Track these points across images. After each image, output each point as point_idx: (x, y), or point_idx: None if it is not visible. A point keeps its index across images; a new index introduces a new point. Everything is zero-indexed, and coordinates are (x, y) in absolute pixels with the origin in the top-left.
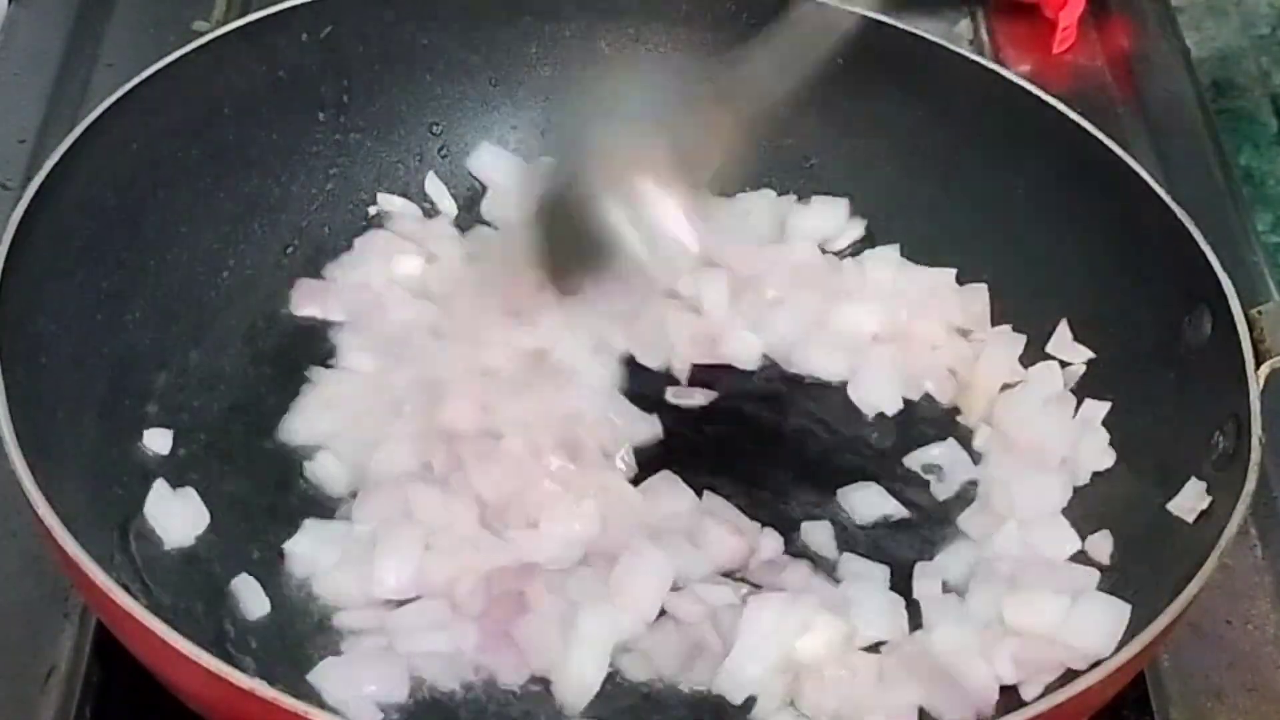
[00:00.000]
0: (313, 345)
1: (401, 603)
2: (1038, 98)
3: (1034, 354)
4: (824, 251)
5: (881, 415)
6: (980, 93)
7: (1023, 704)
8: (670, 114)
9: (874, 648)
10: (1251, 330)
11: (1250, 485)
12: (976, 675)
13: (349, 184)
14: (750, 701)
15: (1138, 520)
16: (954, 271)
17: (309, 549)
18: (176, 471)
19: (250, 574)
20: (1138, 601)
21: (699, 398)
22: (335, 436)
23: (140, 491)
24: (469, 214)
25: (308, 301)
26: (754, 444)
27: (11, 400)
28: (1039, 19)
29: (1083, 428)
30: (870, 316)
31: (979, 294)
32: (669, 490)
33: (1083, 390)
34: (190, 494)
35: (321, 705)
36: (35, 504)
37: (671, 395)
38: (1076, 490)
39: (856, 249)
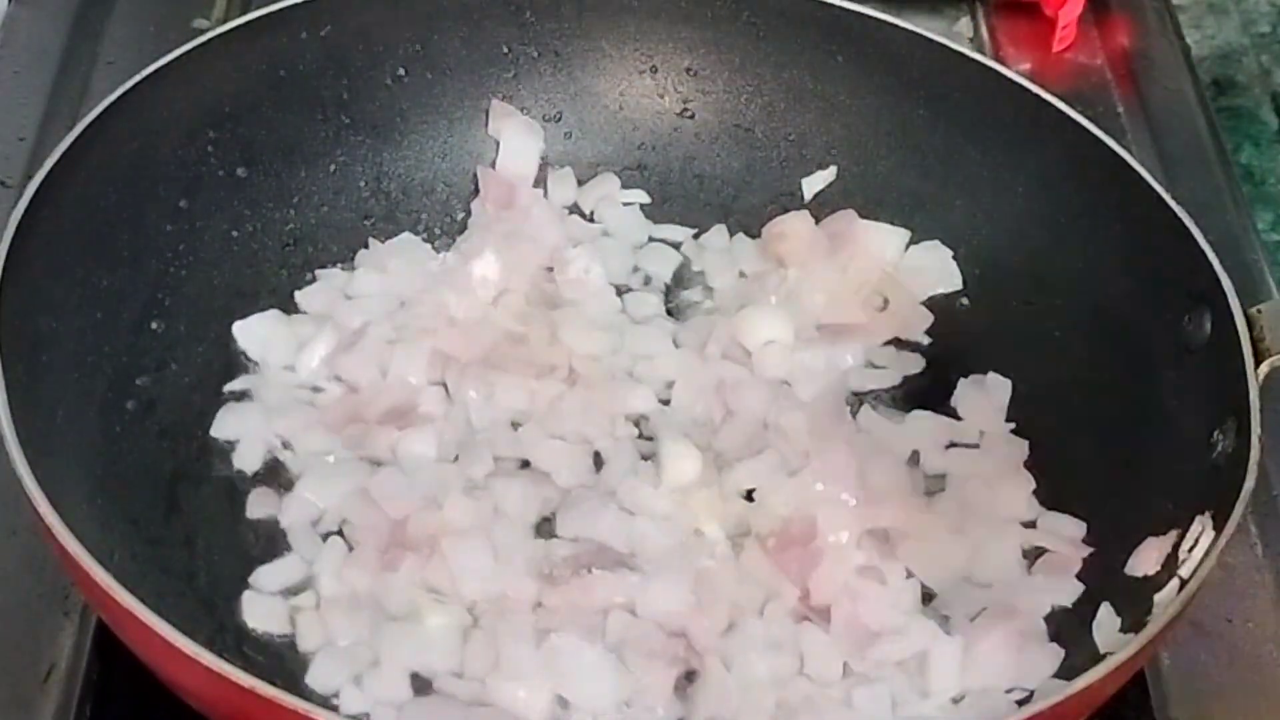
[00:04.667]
0: None
1: None
2: (1037, 96)
3: (1032, 352)
4: None
5: None
6: (980, 91)
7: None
8: None
9: None
10: (1251, 329)
11: (1250, 484)
12: None
13: (348, 183)
14: None
15: (1137, 518)
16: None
17: None
18: (178, 471)
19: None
20: (1137, 598)
21: None
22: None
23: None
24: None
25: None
26: None
27: (12, 398)
28: (1039, 17)
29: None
30: None
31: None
32: None
33: (1084, 390)
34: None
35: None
36: (36, 502)
37: None
38: (1077, 488)
39: None
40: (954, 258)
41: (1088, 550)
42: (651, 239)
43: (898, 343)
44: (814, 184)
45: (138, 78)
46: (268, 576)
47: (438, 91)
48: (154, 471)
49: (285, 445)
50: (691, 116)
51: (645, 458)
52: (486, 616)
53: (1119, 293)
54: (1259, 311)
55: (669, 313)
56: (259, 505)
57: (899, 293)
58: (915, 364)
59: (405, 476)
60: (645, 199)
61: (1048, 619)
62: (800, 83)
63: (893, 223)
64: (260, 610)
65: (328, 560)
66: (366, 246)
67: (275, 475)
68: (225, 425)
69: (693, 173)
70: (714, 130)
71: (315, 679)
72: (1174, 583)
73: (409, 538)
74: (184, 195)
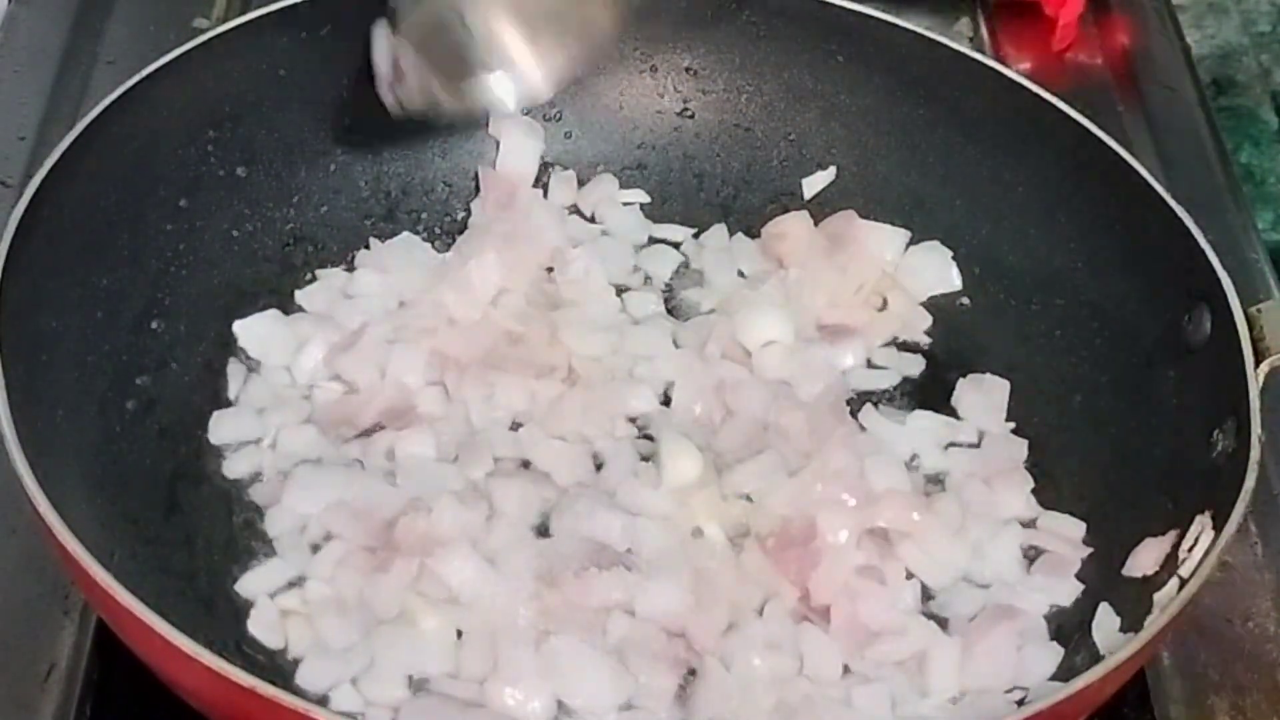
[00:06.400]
0: None
1: None
2: (1037, 96)
3: (1032, 353)
4: None
5: None
6: (980, 90)
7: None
8: None
9: None
10: (1251, 329)
11: (1250, 483)
12: None
13: (348, 183)
14: None
15: (1137, 518)
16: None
17: None
18: (178, 470)
19: None
20: (1137, 598)
21: None
22: None
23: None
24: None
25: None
26: None
27: (12, 398)
28: (1039, 16)
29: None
30: None
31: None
32: None
33: (1084, 390)
34: None
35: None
36: (35, 501)
37: None
38: (1077, 488)
39: None
40: (954, 258)
41: (1087, 550)
42: (651, 239)
43: (898, 343)
44: (814, 184)
45: (138, 78)
46: (255, 581)
47: None
48: (154, 471)
49: (280, 448)
50: (691, 116)
51: (645, 458)
52: (484, 619)
53: (1119, 293)
54: (1259, 311)
55: (669, 313)
56: (255, 503)
57: (899, 293)
58: (915, 364)
59: (390, 481)
60: (645, 199)
61: (1047, 619)
62: (800, 83)
63: (893, 223)
64: (267, 620)
65: (320, 564)
66: (366, 246)
67: (272, 476)
68: (221, 429)
69: (693, 173)
70: (714, 130)
71: (304, 679)
72: (1174, 583)
73: (398, 542)
74: (184, 195)
